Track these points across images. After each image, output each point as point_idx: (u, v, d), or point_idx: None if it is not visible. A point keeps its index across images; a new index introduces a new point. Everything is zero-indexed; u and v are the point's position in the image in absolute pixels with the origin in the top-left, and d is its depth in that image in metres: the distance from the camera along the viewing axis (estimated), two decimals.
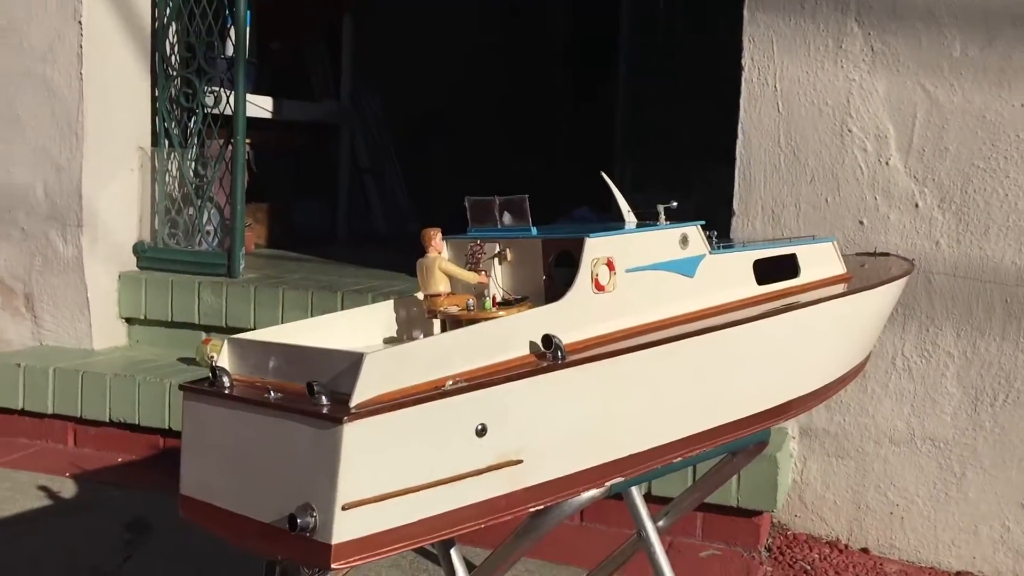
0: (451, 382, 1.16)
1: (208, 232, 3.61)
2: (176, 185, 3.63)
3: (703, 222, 1.55)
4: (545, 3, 6.08)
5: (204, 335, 3.32)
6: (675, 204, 1.57)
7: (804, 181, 2.56)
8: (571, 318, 1.33)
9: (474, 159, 5.36)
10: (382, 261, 3.84)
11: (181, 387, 1.27)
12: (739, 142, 2.61)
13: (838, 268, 1.83)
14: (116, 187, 3.49)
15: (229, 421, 1.20)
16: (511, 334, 1.26)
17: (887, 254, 2.27)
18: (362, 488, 1.08)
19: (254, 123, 3.95)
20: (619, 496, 2.57)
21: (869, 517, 2.58)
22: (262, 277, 3.47)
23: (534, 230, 1.47)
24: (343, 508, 1.06)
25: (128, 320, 3.51)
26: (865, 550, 2.58)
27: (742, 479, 2.43)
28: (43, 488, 2.79)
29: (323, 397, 1.10)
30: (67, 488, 2.82)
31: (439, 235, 1.44)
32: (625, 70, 3.93)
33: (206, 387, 1.25)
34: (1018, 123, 2.38)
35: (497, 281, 1.49)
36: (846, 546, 2.59)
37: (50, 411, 3.15)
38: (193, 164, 3.60)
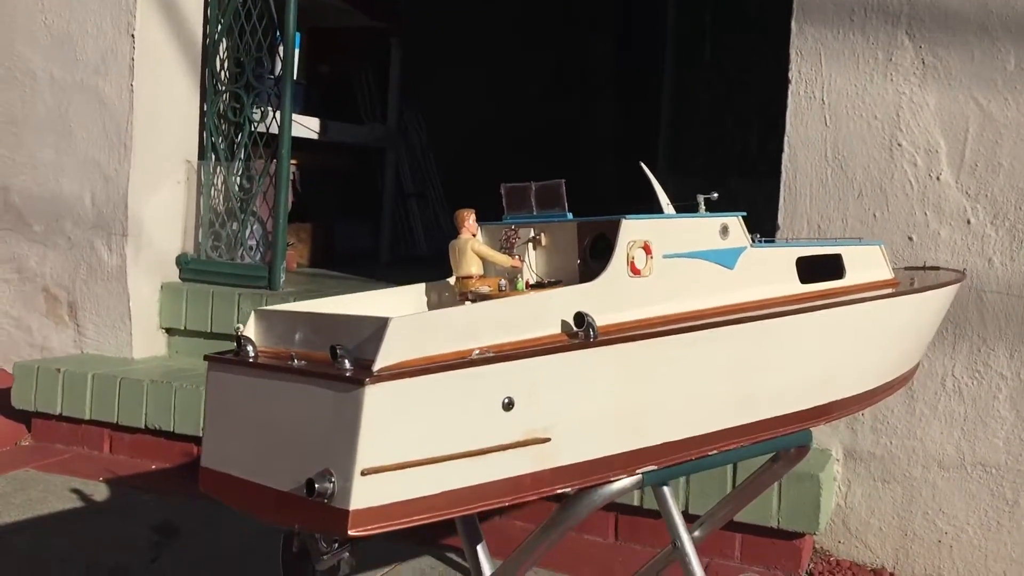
0: (478, 351, 1.12)
1: (251, 246, 3.63)
2: (221, 199, 3.66)
3: (744, 213, 1.51)
4: (591, 28, 6.10)
5: None
6: (716, 195, 1.53)
7: (852, 196, 2.50)
8: (605, 300, 1.29)
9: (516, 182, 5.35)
10: (421, 279, 3.83)
11: (206, 357, 1.25)
12: (785, 156, 2.56)
13: (885, 273, 1.77)
14: (162, 198, 3.53)
15: (252, 389, 1.18)
16: (543, 311, 1.22)
17: (937, 268, 2.21)
18: (383, 454, 1.04)
19: (300, 144, 3.98)
20: (655, 514, 2.52)
21: (916, 545, 2.48)
22: (302, 291, 3.47)
23: (570, 215, 1.44)
24: (362, 473, 1.03)
25: (168, 330, 3.53)
26: None
27: (783, 499, 2.35)
28: (75, 491, 2.78)
29: (346, 361, 1.07)
30: (99, 492, 2.81)
31: (472, 216, 1.42)
32: (669, 87, 3.90)
33: (231, 357, 1.23)
34: None
35: (531, 265, 1.46)
36: (892, 574, 2.49)
37: (87, 417, 3.16)
38: (238, 179, 3.62)
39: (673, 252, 1.40)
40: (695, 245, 1.43)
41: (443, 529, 2.53)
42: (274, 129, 3.56)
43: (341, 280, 4.06)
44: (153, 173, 3.49)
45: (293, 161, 3.66)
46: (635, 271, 1.34)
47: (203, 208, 3.63)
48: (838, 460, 2.54)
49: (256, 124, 3.57)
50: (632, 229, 1.34)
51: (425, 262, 5.19)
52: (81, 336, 3.51)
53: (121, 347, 3.44)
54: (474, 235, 1.41)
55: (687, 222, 1.43)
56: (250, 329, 1.26)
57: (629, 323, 1.31)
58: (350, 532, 1.03)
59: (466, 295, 1.39)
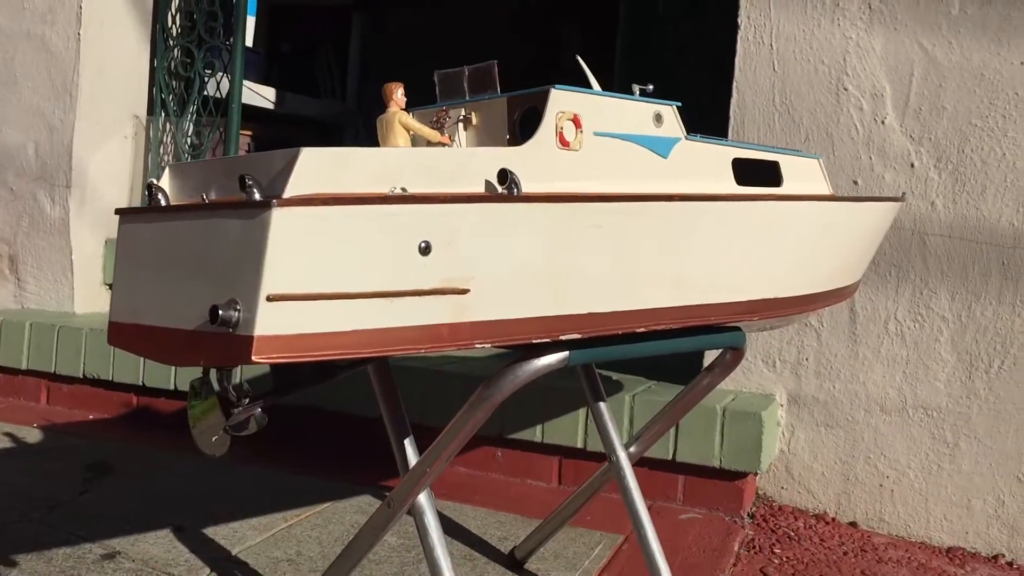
0: (395, 188, 1.09)
1: None
2: (169, 156, 3.60)
3: (679, 104, 1.50)
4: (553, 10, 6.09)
5: None
6: (651, 87, 1.52)
7: (799, 140, 2.50)
8: (532, 167, 1.27)
9: None
10: None
11: (117, 211, 1.21)
12: (733, 101, 2.56)
13: (823, 188, 1.77)
14: (108, 152, 3.47)
15: (162, 233, 1.14)
16: (466, 164, 1.20)
17: (877, 198, 2.21)
18: (290, 282, 1.01)
19: (256, 114, 3.95)
20: (598, 456, 2.49)
21: (858, 489, 2.48)
22: None
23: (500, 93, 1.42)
24: (268, 299, 1.00)
25: (111, 286, 3.45)
26: (853, 523, 2.47)
27: (725, 438, 2.34)
28: (7, 434, 2.71)
29: (255, 191, 1.04)
30: (32, 436, 2.74)
31: (401, 89, 1.39)
32: (623, 50, 3.90)
33: (142, 207, 1.19)
34: (1017, 81, 2.33)
35: (461, 144, 1.43)
36: (833, 519, 2.48)
37: (24, 367, 3.08)
38: (187, 136, 3.57)
39: (604, 131, 1.38)
40: (628, 128, 1.41)
41: (380, 470, 2.49)
42: (225, 90, 3.51)
43: None
44: (100, 126, 3.43)
45: (248, 132, 3.62)
46: (564, 143, 1.32)
47: (151, 164, 3.58)
48: (782, 405, 2.53)
49: (207, 79, 3.53)
50: (562, 100, 1.32)
51: None
52: (21, 291, 3.43)
53: (63, 302, 3.37)
54: (401, 108, 1.38)
55: (620, 102, 1.41)
56: (164, 183, 1.22)
57: (556, 194, 1.29)
58: (253, 358, 0.99)
59: None
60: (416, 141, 1.39)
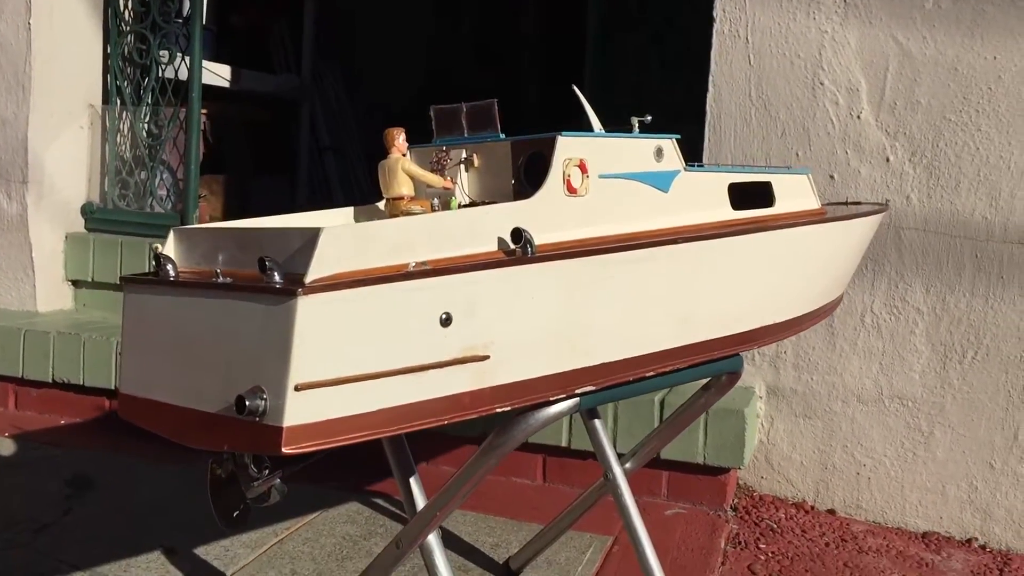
0: (415, 263, 1.08)
1: (161, 196, 3.49)
2: (128, 146, 3.51)
3: (678, 136, 1.49)
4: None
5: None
6: (649, 118, 1.51)
7: (775, 135, 2.51)
8: (541, 218, 1.26)
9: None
10: None
11: (122, 278, 1.18)
12: (709, 95, 2.56)
13: (813, 202, 1.78)
14: (64, 144, 3.37)
15: (174, 309, 1.11)
16: (479, 226, 1.18)
17: (859, 203, 2.23)
18: (317, 369, 1.00)
19: (211, 92, 3.83)
20: (582, 455, 2.52)
21: (836, 478, 2.54)
22: None
23: (502, 135, 1.40)
24: (296, 388, 0.98)
25: (75, 283, 3.38)
26: (831, 511, 2.54)
27: (709, 436, 2.37)
28: None
29: (276, 274, 1.02)
30: (5, 447, 2.69)
31: (402, 135, 1.37)
32: (593, 38, 3.87)
33: (150, 277, 1.16)
34: (990, 76, 2.35)
35: (463, 187, 1.41)
36: (812, 507, 2.55)
37: None
38: (146, 125, 3.48)
39: (609, 172, 1.37)
40: (631, 166, 1.41)
41: (368, 475, 2.49)
42: (183, 74, 3.41)
43: None
44: (55, 117, 3.32)
45: (203, 111, 3.53)
46: (571, 190, 1.31)
47: (109, 155, 3.48)
48: (761, 397, 2.58)
49: (164, 67, 3.42)
50: (568, 146, 1.30)
51: None
52: None
53: (24, 300, 3.29)
54: (404, 155, 1.36)
55: (623, 142, 1.40)
56: (169, 248, 1.19)
57: (567, 243, 1.28)
58: (284, 450, 0.98)
59: (397, 217, 1.34)
60: (419, 188, 1.37)
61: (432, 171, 1.41)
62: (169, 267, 1.15)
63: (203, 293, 1.08)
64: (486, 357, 1.14)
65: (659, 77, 3.57)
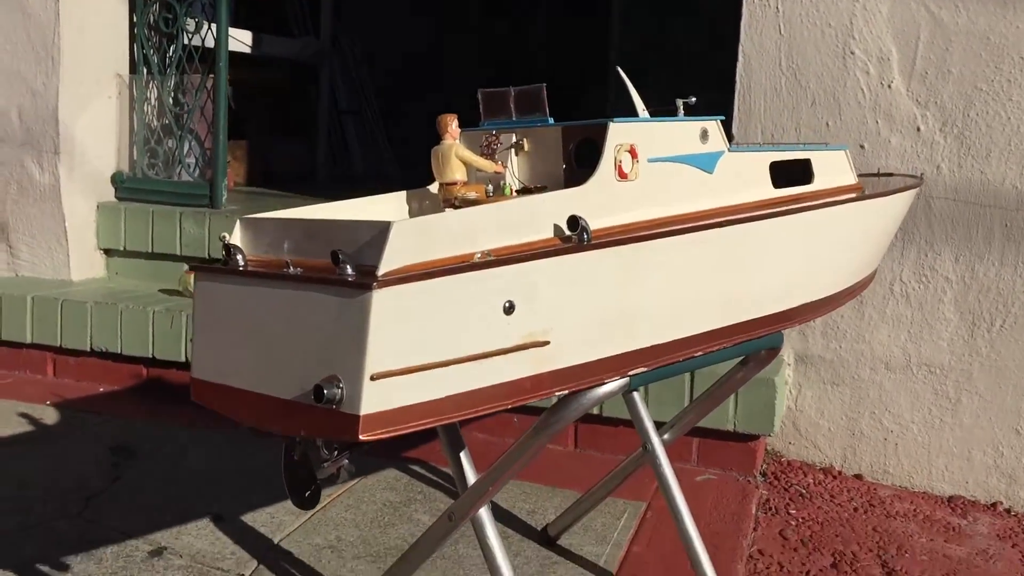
0: (479, 254, 1.11)
1: (189, 164, 3.53)
2: (155, 115, 3.53)
3: (722, 117, 1.51)
4: None
5: (186, 266, 3.24)
6: (693, 100, 1.53)
7: (805, 105, 2.52)
8: (594, 204, 1.29)
9: (457, 100, 5.27)
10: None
11: (192, 267, 1.22)
12: (739, 65, 2.56)
13: (850, 178, 1.80)
14: (93, 114, 3.40)
15: (247, 298, 1.15)
16: (537, 214, 1.22)
17: (891, 174, 2.25)
18: (390, 359, 1.04)
19: (233, 59, 3.84)
20: (613, 422, 2.56)
21: (863, 444, 2.58)
22: (246, 209, 3.39)
23: (551, 120, 1.42)
24: (372, 378, 1.02)
25: (107, 251, 3.43)
26: (859, 476, 2.59)
27: (739, 404, 2.41)
28: (24, 415, 2.72)
29: (348, 267, 1.06)
30: (48, 415, 2.75)
31: (455, 121, 1.39)
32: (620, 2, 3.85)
33: (220, 267, 1.19)
34: (1022, 45, 2.35)
35: (514, 172, 1.44)
36: (840, 472, 2.60)
37: (28, 340, 3.07)
38: (173, 93, 3.50)
39: (657, 156, 1.40)
40: (678, 149, 1.43)
41: (403, 442, 2.54)
42: (209, 42, 3.43)
43: (282, 198, 3.98)
44: (84, 87, 3.35)
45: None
46: (622, 175, 1.34)
47: (137, 124, 3.51)
48: (789, 365, 2.61)
49: (191, 35, 3.44)
50: (619, 132, 1.33)
51: (362, 181, 5.13)
52: (14, 258, 3.39)
53: (58, 269, 3.34)
54: (455, 140, 1.39)
55: (670, 126, 1.43)
56: (236, 238, 1.22)
57: (619, 227, 1.31)
58: (361, 437, 1.02)
59: (451, 202, 1.37)
60: (471, 173, 1.40)
61: (482, 155, 1.44)
62: (239, 256, 1.19)
63: (276, 284, 1.12)
64: (546, 343, 1.17)
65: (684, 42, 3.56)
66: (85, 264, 3.38)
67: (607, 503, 2.27)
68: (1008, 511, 2.46)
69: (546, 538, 2.12)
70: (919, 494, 2.52)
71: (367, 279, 1.03)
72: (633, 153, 1.35)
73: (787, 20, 2.52)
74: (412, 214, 1.45)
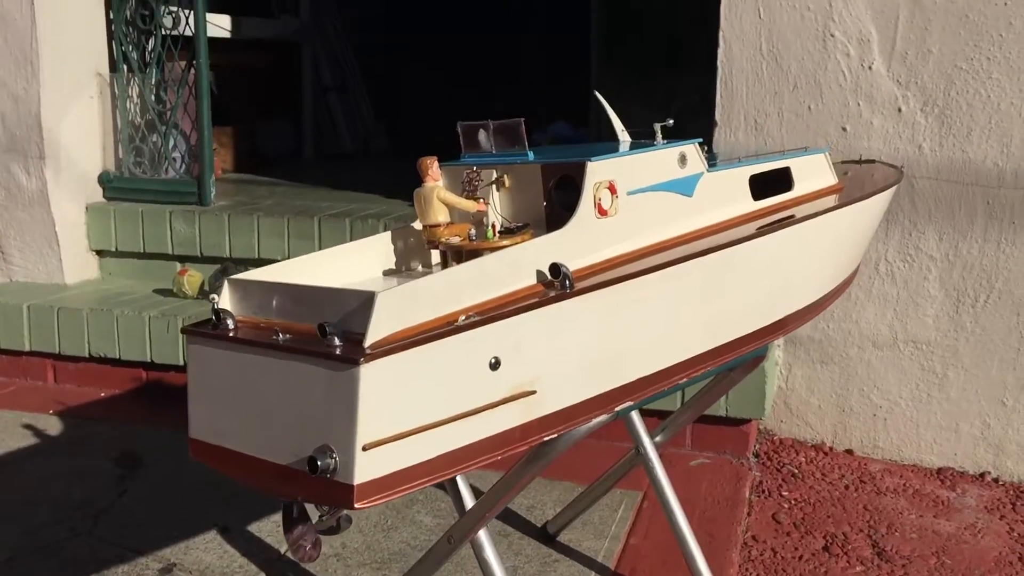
0: (463, 317, 1.14)
1: (175, 159, 3.52)
2: (138, 112, 3.52)
3: (700, 140, 1.53)
4: None
5: (180, 266, 3.26)
6: (671, 122, 1.54)
7: (787, 89, 2.53)
8: (575, 245, 1.31)
9: (443, 76, 5.25)
10: (353, 182, 3.78)
11: (183, 330, 1.24)
12: (720, 51, 2.56)
13: (830, 179, 1.83)
14: (76, 116, 3.39)
15: (238, 364, 1.18)
16: (518, 264, 1.24)
17: (872, 161, 2.27)
18: (381, 428, 1.07)
19: (213, 44, 3.81)
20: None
21: (853, 420, 2.63)
22: (235, 204, 3.40)
23: (531, 154, 1.44)
24: (363, 449, 1.06)
25: (99, 252, 3.44)
26: (849, 451, 2.64)
27: (731, 390, 2.45)
28: (28, 427, 2.76)
29: (335, 338, 1.08)
30: (52, 425, 2.79)
31: (436, 163, 1.41)
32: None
33: (210, 330, 1.22)
34: (1001, 23, 2.35)
35: (496, 208, 1.46)
36: (831, 448, 2.65)
37: (27, 348, 3.10)
38: (155, 89, 3.49)
39: (636, 188, 1.41)
40: (657, 177, 1.45)
41: None
42: (188, 32, 3.40)
43: (271, 186, 3.98)
44: (65, 89, 3.34)
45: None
46: (602, 212, 1.36)
47: (121, 123, 3.50)
48: (779, 346, 2.65)
49: (169, 30, 3.42)
50: (597, 171, 1.35)
51: (350, 160, 5.13)
52: (8, 264, 3.41)
53: (51, 273, 3.36)
54: (437, 182, 1.40)
55: (648, 156, 1.44)
56: (225, 300, 1.25)
57: (600, 264, 1.34)
58: (356, 505, 1.06)
59: (435, 244, 1.39)
60: (453, 211, 1.42)
61: (464, 192, 1.46)
62: (228, 321, 1.21)
63: (265, 352, 1.14)
64: (533, 392, 1.21)
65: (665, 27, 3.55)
66: (78, 266, 3.40)
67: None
68: (996, 480, 2.52)
69: (546, 535, 2.17)
70: (908, 467, 2.58)
71: (355, 353, 1.06)
72: (612, 189, 1.37)
73: (766, 4, 2.51)
74: (398, 255, 1.47)
